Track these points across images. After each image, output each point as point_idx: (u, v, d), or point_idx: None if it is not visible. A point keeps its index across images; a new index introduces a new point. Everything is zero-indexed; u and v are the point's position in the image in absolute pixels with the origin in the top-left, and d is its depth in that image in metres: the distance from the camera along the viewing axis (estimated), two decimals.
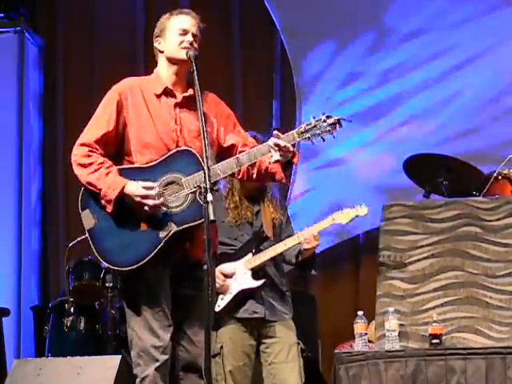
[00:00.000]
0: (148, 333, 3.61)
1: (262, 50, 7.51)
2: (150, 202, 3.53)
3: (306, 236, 4.59)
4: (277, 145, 3.60)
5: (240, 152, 3.74)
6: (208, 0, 7.31)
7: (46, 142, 7.69)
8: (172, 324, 3.65)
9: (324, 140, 3.64)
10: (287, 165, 3.74)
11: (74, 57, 7.73)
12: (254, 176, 3.82)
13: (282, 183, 4.16)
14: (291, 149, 3.63)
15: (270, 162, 3.73)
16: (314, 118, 3.64)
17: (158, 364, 3.60)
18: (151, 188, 3.54)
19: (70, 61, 7.72)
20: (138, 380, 3.64)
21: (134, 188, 3.55)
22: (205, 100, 3.74)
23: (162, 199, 3.54)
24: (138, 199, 3.54)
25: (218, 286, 4.47)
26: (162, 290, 3.64)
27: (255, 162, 3.70)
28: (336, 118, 3.63)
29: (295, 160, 3.72)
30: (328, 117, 3.64)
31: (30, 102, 7.59)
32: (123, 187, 3.55)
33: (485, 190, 5.09)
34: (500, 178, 5.15)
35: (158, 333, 3.61)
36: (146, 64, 7.43)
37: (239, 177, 3.85)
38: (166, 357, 3.62)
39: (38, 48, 7.76)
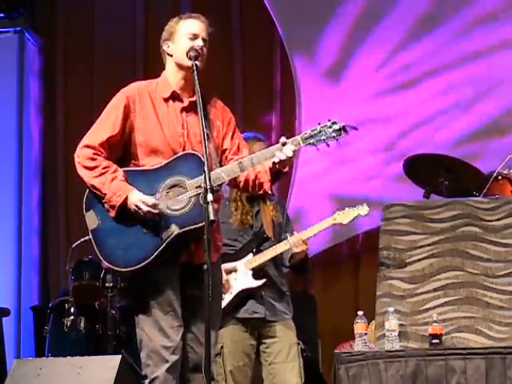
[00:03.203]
0: (158, 333, 3.61)
1: (262, 50, 7.51)
2: (145, 208, 3.54)
3: (295, 240, 4.60)
4: (284, 144, 3.61)
5: (230, 159, 3.76)
6: (208, 0, 7.31)
7: (46, 142, 7.69)
8: (182, 324, 3.65)
9: (329, 146, 3.64)
10: (277, 176, 3.75)
11: (74, 57, 7.73)
12: (241, 184, 3.81)
13: (267, 194, 4.16)
14: (293, 159, 3.65)
15: (259, 171, 3.74)
16: (319, 123, 3.64)
17: (168, 365, 3.59)
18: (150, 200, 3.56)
19: (70, 61, 7.73)
20: (147, 381, 3.63)
21: (135, 198, 3.56)
22: (212, 105, 3.79)
23: (157, 210, 3.55)
24: (136, 203, 3.56)
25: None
26: (171, 289, 3.64)
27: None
28: (341, 124, 3.63)
29: (287, 170, 3.73)
30: (334, 123, 3.63)
31: (30, 102, 7.60)
32: (127, 196, 3.58)
33: (485, 190, 5.09)
34: (500, 178, 5.16)
35: (169, 333, 3.61)
36: (146, 64, 7.45)
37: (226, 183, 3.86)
38: (176, 357, 3.61)
39: (38, 48, 7.76)
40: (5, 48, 7.55)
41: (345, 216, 4.68)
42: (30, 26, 7.69)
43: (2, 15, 7.60)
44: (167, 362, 3.60)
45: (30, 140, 7.56)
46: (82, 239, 5.42)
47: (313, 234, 4.67)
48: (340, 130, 3.62)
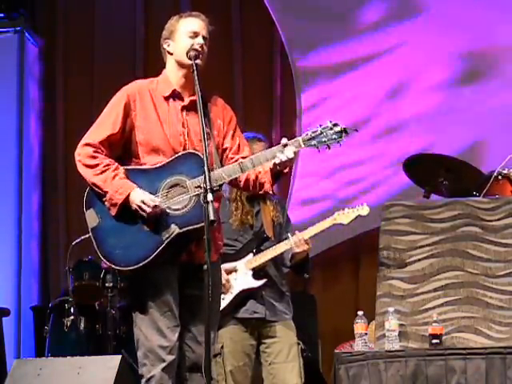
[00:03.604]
0: (155, 333, 3.62)
1: (262, 51, 7.51)
2: (148, 209, 3.54)
3: (296, 240, 4.60)
4: (285, 145, 3.61)
5: (230, 158, 3.77)
6: (208, 0, 7.31)
7: (46, 142, 7.69)
8: (179, 324, 3.65)
9: (330, 148, 3.65)
10: (277, 176, 3.75)
11: (74, 57, 7.73)
12: (242, 184, 3.81)
13: (267, 194, 4.16)
14: (294, 160, 3.65)
15: (260, 171, 3.74)
16: (320, 125, 3.64)
17: (164, 364, 3.60)
18: (153, 200, 3.55)
19: (69, 61, 7.73)
20: (143, 380, 3.64)
21: (137, 199, 3.56)
22: (213, 104, 3.80)
23: (158, 210, 3.55)
24: (137, 203, 3.56)
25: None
26: (170, 290, 3.64)
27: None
28: (342, 126, 3.63)
29: (287, 170, 3.73)
30: (335, 125, 3.64)
31: (30, 103, 7.60)
32: (129, 193, 3.57)
33: (485, 190, 5.08)
34: (500, 177, 5.15)
35: (165, 333, 3.62)
36: (146, 64, 7.45)
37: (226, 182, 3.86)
38: (173, 357, 3.62)
39: (38, 48, 7.76)
40: (5, 48, 7.55)
41: (345, 216, 4.69)
42: (30, 26, 7.69)
43: (2, 15, 7.60)
44: (164, 361, 3.61)
45: (29, 140, 7.55)
46: (82, 237, 5.42)
47: (313, 234, 4.67)
48: (341, 132, 3.63)
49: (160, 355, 3.60)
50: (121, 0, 7.82)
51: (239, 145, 3.83)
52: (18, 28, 7.57)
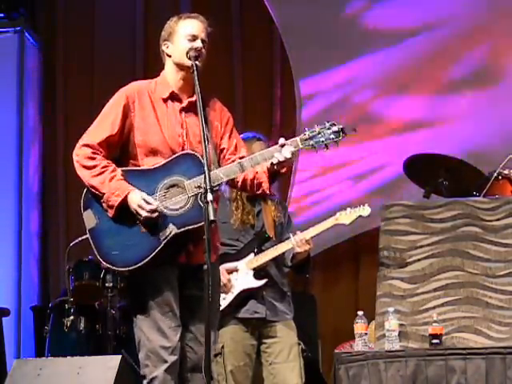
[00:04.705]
0: (157, 333, 3.61)
1: (262, 51, 7.52)
2: (144, 213, 3.54)
3: (298, 240, 4.60)
4: (282, 145, 3.61)
5: (228, 159, 3.76)
6: (208, 0, 7.31)
7: (46, 142, 7.70)
8: (180, 325, 3.65)
9: (328, 148, 3.64)
10: (275, 176, 3.74)
11: (74, 57, 7.74)
12: (239, 184, 3.81)
13: (265, 194, 4.16)
14: (292, 160, 3.65)
15: (257, 172, 3.74)
16: (317, 125, 3.64)
17: (166, 365, 3.59)
18: (150, 203, 3.55)
19: (69, 61, 7.73)
20: (145, 381, 3.63)
21: (135, 198, 3.56)
22: (210, 105, 3.79)
23: (156, 214, 3.55)
24: (134, 207, 3.56)
25: (222, 283, 4.47)
26: (170, 290, 3.64)
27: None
28: (340, 126, 3.63)
29: (285, 171, 3.73)
30: (332, 124, 3.63)
31: (30, 103, 7.59)
32: (127, 195, 3.57)
33: (485, 190, 5.08)
34: (500, 178, 5.15)
35: (167, 333, 3.61)
36: (146, 64, 7.45)
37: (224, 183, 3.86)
38: (175, 358, 3.61)
39: (38, 48, 7.76)
40: (5, 48, 7.55)
41: (347, 217, 4.68)
42: (30, 26, 7.69)
43: (2, 15, 7.60)
44: (166, 362, 3.60)
45: (29, 140, 7.55)
46: (80, 238, 5.42)
47: (315, 234, 4.66)
48: (339, 131, 3.62)
49: (162, 356, 3.60)
50: (121, 0, 7.83)
51: (236, 146, 3.83)
52: (18, 28, 7.57)
